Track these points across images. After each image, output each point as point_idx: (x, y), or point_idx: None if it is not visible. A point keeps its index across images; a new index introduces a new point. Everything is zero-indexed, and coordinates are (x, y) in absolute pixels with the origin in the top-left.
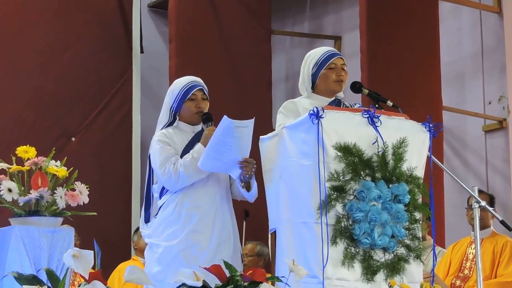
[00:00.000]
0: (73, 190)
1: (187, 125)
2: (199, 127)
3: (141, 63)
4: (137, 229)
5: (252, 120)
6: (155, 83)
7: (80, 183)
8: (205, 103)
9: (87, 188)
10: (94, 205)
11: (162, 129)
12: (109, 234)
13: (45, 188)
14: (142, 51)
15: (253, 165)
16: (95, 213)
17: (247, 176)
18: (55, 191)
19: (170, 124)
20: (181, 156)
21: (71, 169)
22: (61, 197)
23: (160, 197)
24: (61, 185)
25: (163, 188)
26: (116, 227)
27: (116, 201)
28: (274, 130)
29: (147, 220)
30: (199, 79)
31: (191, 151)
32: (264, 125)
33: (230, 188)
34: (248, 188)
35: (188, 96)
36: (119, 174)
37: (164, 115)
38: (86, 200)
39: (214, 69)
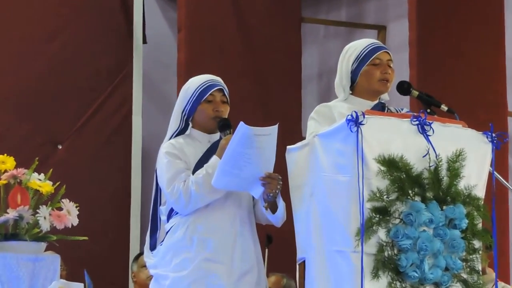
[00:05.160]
0: (60, 209)
1: (201, 134)
2: (216, 136)
3: (144, 55)
4: (136, 257)
5: (275, 126)
6: (160, 79)
7: (68, 200)
8: (225, 107)
9: (76, 207)
10: (85, 228)
11: (171, 138)
12: (103, 262)
13: (26, 207)
14: (145, 41)
15: (278, 182)
16: (86, 238)
17: (271, 194)
18: (37, 210)
19: (181, 132)
20: (194, 172)
21: (57, 183)
22: (45, 218)
23: (168, 220)
24: (45, 203)
25: (172, 209)
26: (111, 254)
27: (111, 223)
28: (304, 138)
29: (153, 248)
30: (219, 79)
31: (205, 165)
32: (292, 133)
33: (253, 210)
34: (273, 209)
35: (205, 97)
36: (115, 190)
37: (174, 121)
38: (76, 221)
39: (232, 64)
